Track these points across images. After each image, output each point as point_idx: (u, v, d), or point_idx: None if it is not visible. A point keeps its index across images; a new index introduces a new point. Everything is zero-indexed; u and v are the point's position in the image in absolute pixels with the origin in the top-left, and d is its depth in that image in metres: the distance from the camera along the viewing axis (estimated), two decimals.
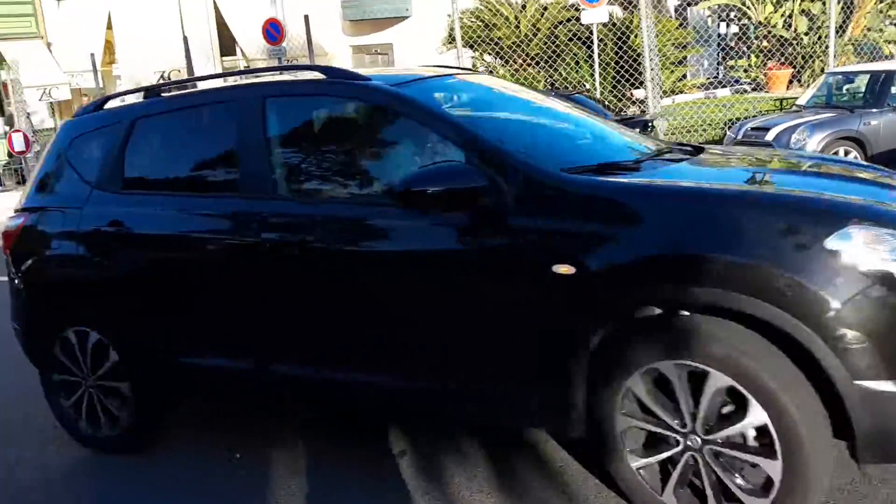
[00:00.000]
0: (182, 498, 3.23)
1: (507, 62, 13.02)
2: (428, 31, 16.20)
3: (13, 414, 4.25)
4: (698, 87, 14.47)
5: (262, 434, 3.66)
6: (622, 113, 11.38)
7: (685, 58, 14.19)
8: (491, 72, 13.33)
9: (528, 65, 12.86)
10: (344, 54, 19.66)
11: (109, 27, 18.84)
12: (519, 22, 13.26)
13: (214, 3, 18.86)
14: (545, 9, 13.27)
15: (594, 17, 11.56)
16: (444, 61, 14.29)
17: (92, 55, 15.28)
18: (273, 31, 13.25)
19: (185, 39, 13.92)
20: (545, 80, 12.69)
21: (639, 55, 11.40)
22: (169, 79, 18.88)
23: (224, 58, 19.19)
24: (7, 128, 16.64)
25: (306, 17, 12.92)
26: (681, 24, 14.54)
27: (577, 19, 12.26)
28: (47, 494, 3.42)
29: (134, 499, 3.31)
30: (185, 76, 18.27)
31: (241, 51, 19.12)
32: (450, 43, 13.90)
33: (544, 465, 3.10)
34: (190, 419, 3.92)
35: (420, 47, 17.44)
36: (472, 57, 13.52)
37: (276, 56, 13.66)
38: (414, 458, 3.29)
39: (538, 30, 13.11)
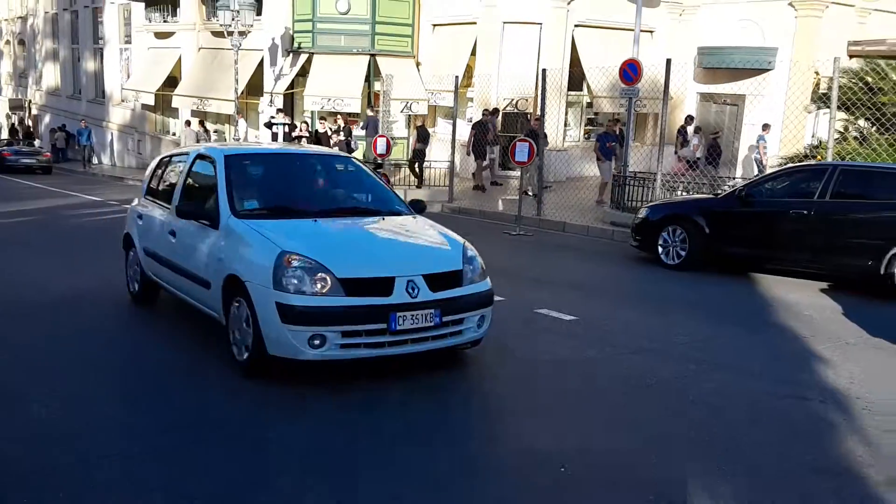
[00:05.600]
0: None
1: (886, 130, 11.80)
2: (789, 85, 15.31)
3: None
4: None
5: None
6: None
7: None
8: (865, 138, 12.20)
9: None
10: (690, 100, 19.31)
11: (473, 54, 20.39)
12: None
13: (573, 39, 19.56)
14: None
15: None
16: (807, 119, 13.39)
17: (456, 77, 16.62)
18: (630, 72, 13.40)
19: (544, 72, 14.56)
20: None
21: None
22: (516, 107, 20.01)
23: (570, 92, 19.81)
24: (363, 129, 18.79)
25: (668, 61, 12.85)
26: None
27: None
28: None
29: None
30: (532, 105, 19.22)
31: (588, 87, 19.62)
32: (820, 101, 12.98)
33: None
34: None
35: (776, 102, 16.56)
36: (845, 120, 12.45)
37: (628, 96, 13.81)
38: None
39: None
